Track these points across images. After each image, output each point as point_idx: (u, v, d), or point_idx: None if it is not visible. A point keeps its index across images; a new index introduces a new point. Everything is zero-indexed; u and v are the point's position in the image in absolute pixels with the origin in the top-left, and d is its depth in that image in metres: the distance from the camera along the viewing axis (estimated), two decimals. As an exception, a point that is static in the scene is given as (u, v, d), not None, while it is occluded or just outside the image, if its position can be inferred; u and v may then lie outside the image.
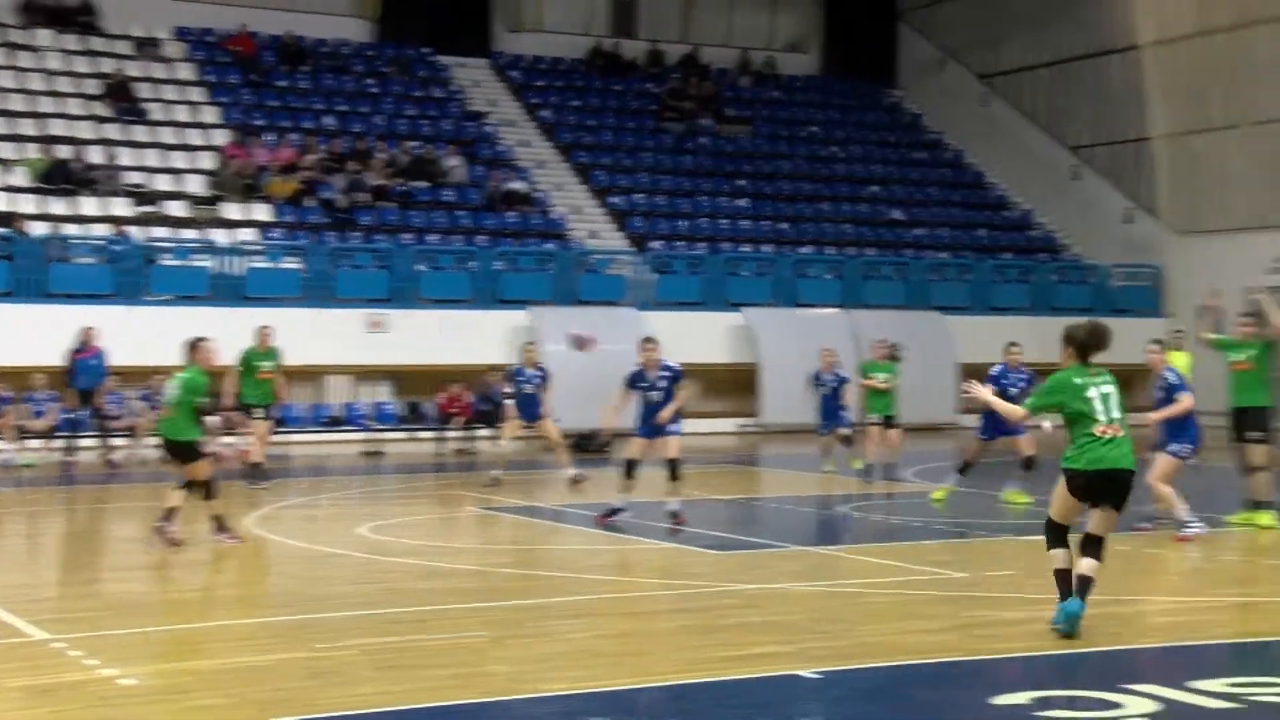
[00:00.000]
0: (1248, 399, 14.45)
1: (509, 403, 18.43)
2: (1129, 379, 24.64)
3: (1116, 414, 9.01)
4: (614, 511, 14.30)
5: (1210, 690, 7.75)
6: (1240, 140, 30.75)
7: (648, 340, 14.32)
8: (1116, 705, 7.42)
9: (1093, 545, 9.10)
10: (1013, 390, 16.01)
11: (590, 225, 31.26)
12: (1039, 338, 31.45)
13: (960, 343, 29.27)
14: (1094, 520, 9.18)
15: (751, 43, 38.74)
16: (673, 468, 14.16)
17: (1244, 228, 30.41)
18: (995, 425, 15.90)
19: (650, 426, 14.16)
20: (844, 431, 19.42)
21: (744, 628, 9.72)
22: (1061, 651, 8.79)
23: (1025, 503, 15.86)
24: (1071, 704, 7.50)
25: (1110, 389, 9.10)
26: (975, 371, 30.61)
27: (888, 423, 18.86)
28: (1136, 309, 31.35)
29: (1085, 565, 9.09)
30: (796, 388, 27.75)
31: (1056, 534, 9.17)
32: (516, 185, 31.07)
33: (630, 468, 14.20)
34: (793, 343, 28.55)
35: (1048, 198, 35.21)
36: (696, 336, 27.03)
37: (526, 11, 37.02)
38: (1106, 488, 8.97)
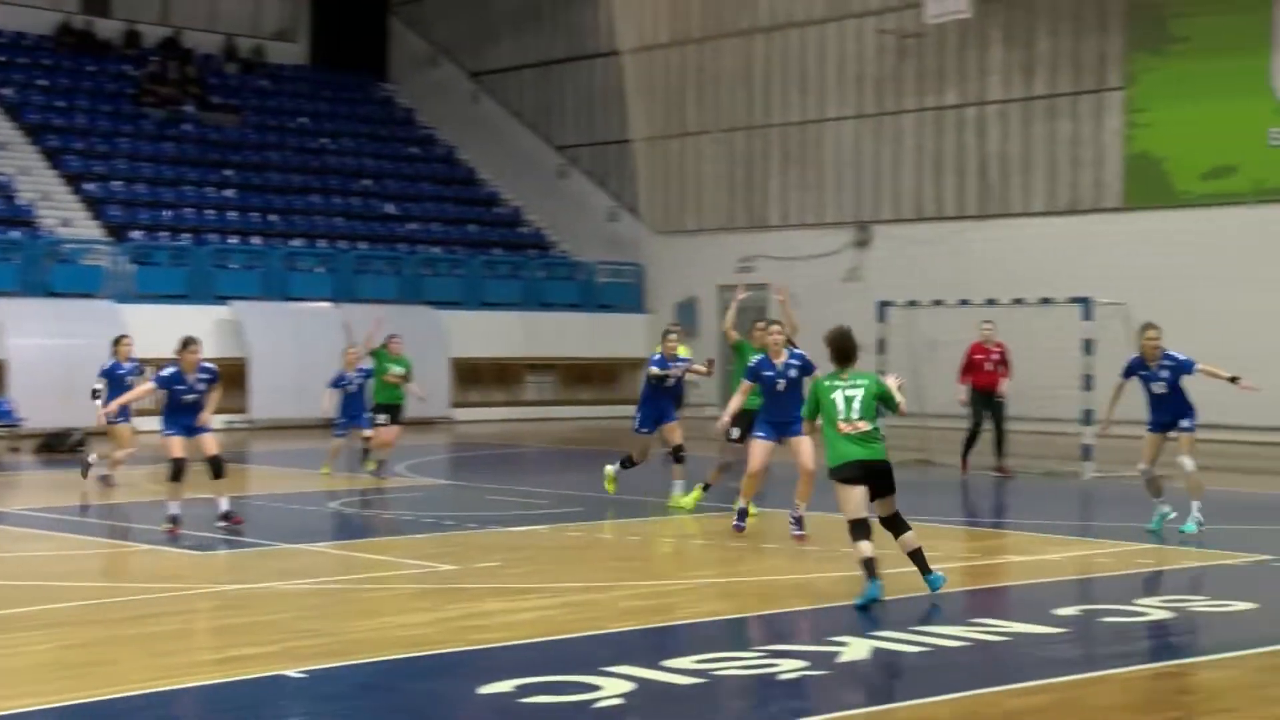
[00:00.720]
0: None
1: (98, 400, 17.03)
2: (617, 371, 25.53)
3: (856, 414, 9.90)
4: (174, 519, 13.48)
5: (680, 668, 8.14)
6: (710, 145, 32.58)
7: (189, 342, 13.94)
8: (595, 688, 7.66)
9: (895, 523, 10.09)
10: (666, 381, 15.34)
11: (62, 213, 29.45)
12: (528, 332, 32.41)
13: (453, 337, 29.59)
14: (878, 509, 10.05)
15: (237, 29, 37.65)
16: (216, 465, 13.83)
17: (716, 228, 32.24)
18: (652, 419, 15.35)
19: (188, 427, 13.84)
20: (366, 433, 18.95)
21: (226, 630, 9.42)
22: (543, 639, 9.00)
23: (612, 495, 15.69)
24: (553, 689, 7.66)
25: (856, 392, 9.99)
26: (464, 365, 30.84)
27: (392, 417, 18.75)
28: (621, 305, 32.61)
29: (908, 539, 10.08)
30: (287, 382, 27.30)
31: (859, 529, 9.89)
32: (-22, 168, 28.90)
33: (179, 469, 13.62)
34: (283, 337, 27.99)
35: (536, 195, 36.07)
36: (180, 330, 25.72)
37: (-17, -19, 34.52)
38: (865, 477, 9.87)
